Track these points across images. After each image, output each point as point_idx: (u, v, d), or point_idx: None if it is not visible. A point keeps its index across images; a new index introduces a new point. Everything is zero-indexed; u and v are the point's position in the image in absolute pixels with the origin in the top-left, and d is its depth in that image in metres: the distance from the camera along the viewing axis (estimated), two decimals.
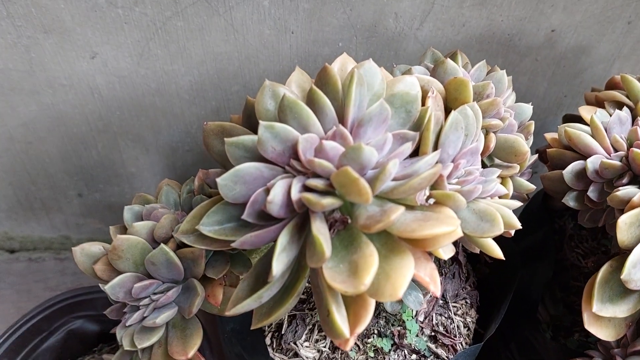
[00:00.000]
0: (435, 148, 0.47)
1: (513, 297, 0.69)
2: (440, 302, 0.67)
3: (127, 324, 0.55)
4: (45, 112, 0.83)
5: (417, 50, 0.81)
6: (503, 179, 0.59)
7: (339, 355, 0.63)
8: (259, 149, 0.44)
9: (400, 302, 0.58)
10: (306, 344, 0.64)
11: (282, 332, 0.65)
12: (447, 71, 0.56)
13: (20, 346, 0.76)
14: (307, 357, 0.63)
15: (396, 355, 0.63)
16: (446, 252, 0.46)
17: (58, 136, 0.86)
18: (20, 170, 0.91)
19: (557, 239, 0.74)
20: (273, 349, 0.65)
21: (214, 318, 0.74)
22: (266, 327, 0.66)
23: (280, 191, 0.42)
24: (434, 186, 0.47)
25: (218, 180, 0.43)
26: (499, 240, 0.53)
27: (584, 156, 0.59)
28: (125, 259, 0.54)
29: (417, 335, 0.64)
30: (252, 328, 0.46)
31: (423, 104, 0.49)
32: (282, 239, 0.42)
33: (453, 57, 0.63)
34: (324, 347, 0.64)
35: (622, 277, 0.50)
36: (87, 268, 0.56)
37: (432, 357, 0.64)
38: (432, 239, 0.42)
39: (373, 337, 0.63)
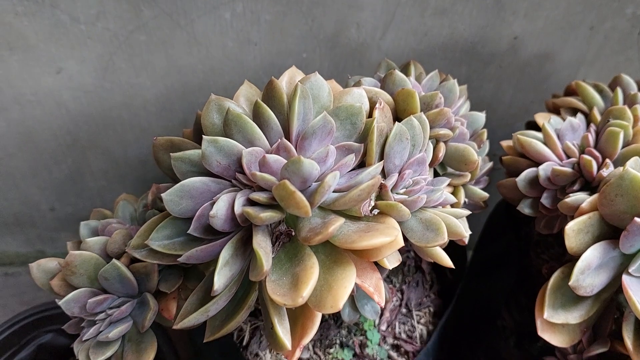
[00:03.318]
0: (381, 159, 0.48)
1: (476, 305, 0.69)
2: (404, 310, 0.67)
3: (83, 339, 0.55)
4: (14, 129, 0.83)
5: (380, 60, 0.81)
6: (455, 188, 0.59)
7: None
8: (203, 164, 0.45)
9: (357, 311, 0.58)
10: (268, 355, 0.64)
11: (245, 344, 0.65)
12: (396, 82, 0.56)
13: None
14: None
15: None
16: (391, 262, 0.47)
17: (28, 152, 0.86)
18: None
19: (523, 245, 0.75)
20: None
21: (184, 332, 0.75)
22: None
23: (223, 205, 0.43)
24: (380, 196, 0.48)
25: (163, 195, 0.44)
26: (461, 247, 0.54)
27: (537, 163, 0.59)
28: (79, 275, 0.54)
29: (378, 345, 0.64)
30: (205, 341, 0.47)
31: (371, 116, 0.49)
32: (225, 254, 0.42)
33: (405, 67, 0.63)
34: None
35: (570, 283, 0.50)
36: (44, 284, 0.56)
37: None
38: (374, 249, 0.42)
39: (335, 347, 0.64)
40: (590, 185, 0.57)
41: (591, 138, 0.59)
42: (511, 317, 0.72)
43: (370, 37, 0.79)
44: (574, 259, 0.53)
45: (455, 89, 0.59)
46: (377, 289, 0.44)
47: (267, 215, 0.41)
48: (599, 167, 0.56)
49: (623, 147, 0.57)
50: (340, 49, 0.80)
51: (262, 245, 0.42)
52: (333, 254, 0.43)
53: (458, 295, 0.68)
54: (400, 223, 0.47)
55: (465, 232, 0.50)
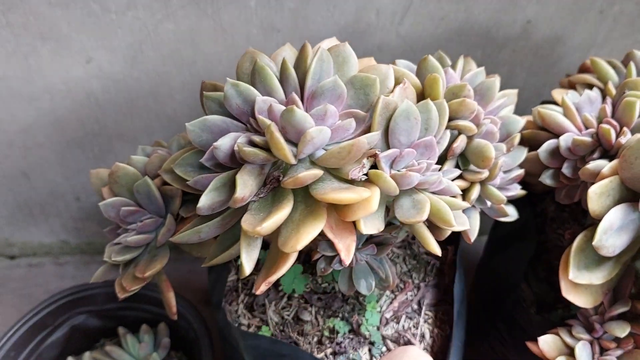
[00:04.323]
0: (386, 132, 0.50)
1: (495, 278, 0.71)
2: (415, 306, 0.68)
3: (114, 242, 0.61)
4: (44, 118, 0.86)
5: (399, 44, 0.84)
6: (472, 184, 0.60)
7: (299, 325, 0.67)
8: (225, 104, 0.49)
9: (353, 285, 0.60)
10: (272, 307, 0.68)
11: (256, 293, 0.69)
12: (428, 68, 0.58)
13: (27, 341, 0.79)
14: (271, 319, 0.67)
15: (346, 340, 0.65)
16: (367, 228, 0.47)
17: (56, 141, 0.89)
18: (20, 176, 0.94)
19: (540, 222, 0.77)
20: (244, 306, 0.70)
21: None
22: (241, 292, 0.71)
23: (228, 140, 0.47)
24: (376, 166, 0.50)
25: (187, 125, 0.49)
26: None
27: (557, 135, 0.62)
28: (120, 185, 0.61)
29: (377, 328, 0.65)
30: (202, 265, 0.54)
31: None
32: (216, 181, 0.48)
33: (455, 61, 0.65)
34: (288, 315, 0.67)
35: (593, 243, 0.53)
36: (97, 189, 0.64)
37: (384, 349, 0.65)
38: (347, 207, 0.45)
39: (337, 319, 0.66)
40: (608, 153, 0.60)
41: (608, 109, 0.62)
42: (530, 289, 0.75)
43: (390, 22, 0.81)
44: (595, 222, 0.56)
45: (493, 87, 0.60)
46: (347, 249, 0.46)
47: (251, 151, 0.45)
48: (617, 136, 0.59)
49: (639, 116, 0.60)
50: (360, 34, 0.82)
51: (244, 178, 0.46)
52: (311, 205, 0.47)
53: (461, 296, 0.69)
54: (394, 200, 0.50)
55: (452, 221, 0.50)
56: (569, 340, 0.60)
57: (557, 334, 0.61)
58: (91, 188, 0.97)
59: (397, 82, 0.53)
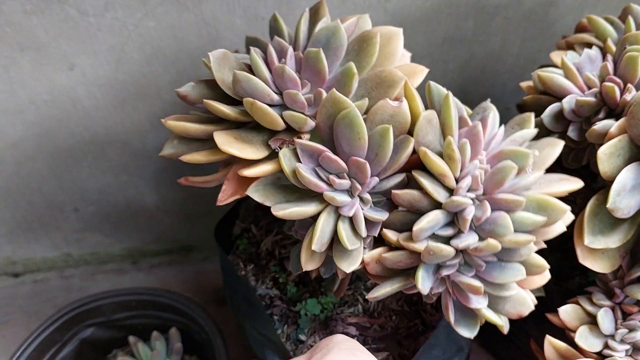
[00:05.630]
0: (331, 131, 0.48)
1: None
2: (369, 340, 0.66)
3: None
4: (32, 131, 0.84)
5: (388, 22, 0.82)
6: None
7: (275, 265, 0.71)
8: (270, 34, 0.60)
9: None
10: (274, 236, 0.73)
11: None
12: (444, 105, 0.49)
13: (37, 359, 0.78)
14: (265, 243, 0.73)
15: (285, 304, 0.67)
16: (252, 191, 0.49)
17: (47, 153, 0.87)
18: (15, 192, 0.92)
19: None
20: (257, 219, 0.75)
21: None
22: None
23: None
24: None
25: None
26: None
27: (559, 98, 0.60)
28: None
29: (310, 319, 0.66)
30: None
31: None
32: None
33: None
34: (277, 252, 0.72)
35: (608, 206, 0.51)
36: None
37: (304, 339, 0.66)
38: (242, 162, 0.49)
39: (294, 284, 0.69)
40: (614, 112, 0.58)
41: (610, 67, 0.60)
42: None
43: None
44: (606, 184, 0.54)
45: (506, 171, 0.46)
46: (225, 193, 0.51)
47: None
48: (622, 93, 0.57)
49: None
50: (348, 14, 0.80)
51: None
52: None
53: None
54: None
55: (317, 244, 0.47)
56: (590, 308, 0.59)
57: (577, 303, 0.60)
58: (89, 197, 0.95)
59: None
